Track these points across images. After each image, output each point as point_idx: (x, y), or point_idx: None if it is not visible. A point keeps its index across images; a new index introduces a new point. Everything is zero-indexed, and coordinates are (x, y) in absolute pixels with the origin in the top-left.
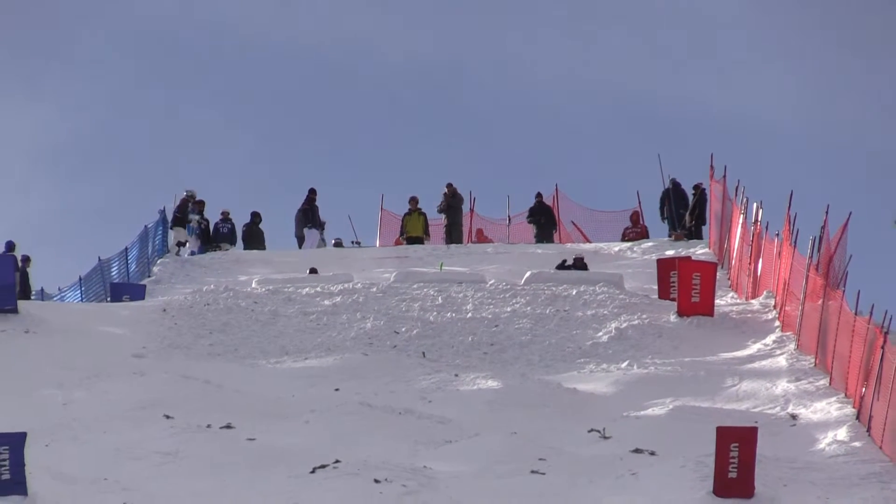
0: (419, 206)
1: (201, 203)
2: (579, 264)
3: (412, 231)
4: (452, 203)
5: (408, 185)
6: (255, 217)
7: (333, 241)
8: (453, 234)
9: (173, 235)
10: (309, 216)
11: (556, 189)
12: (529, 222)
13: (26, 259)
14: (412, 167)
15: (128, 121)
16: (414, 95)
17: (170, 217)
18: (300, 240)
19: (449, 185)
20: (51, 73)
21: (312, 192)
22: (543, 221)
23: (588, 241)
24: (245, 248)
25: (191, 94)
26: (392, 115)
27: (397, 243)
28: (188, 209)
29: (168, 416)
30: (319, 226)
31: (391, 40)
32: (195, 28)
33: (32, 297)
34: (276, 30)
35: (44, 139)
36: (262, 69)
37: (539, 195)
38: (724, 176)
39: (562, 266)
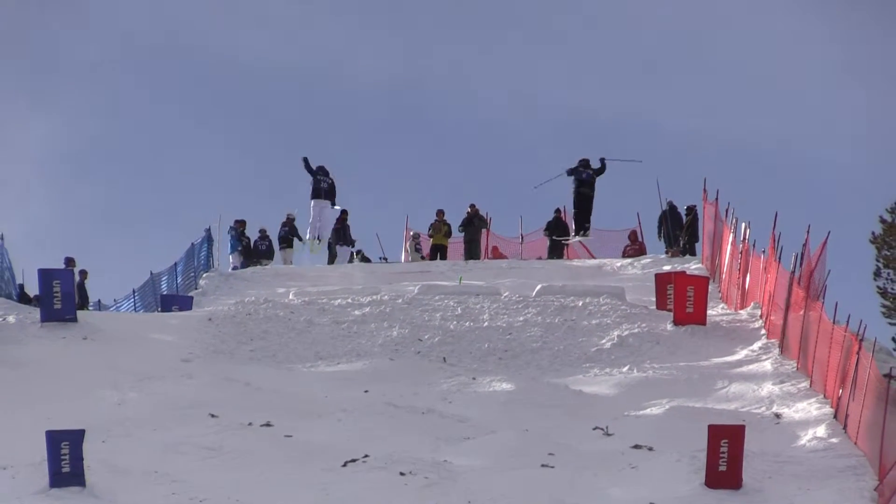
0: (444, 217)
1: (243, 222)
2: (586, 164)
3: (437, 240)
4: (474, 222)
5: (430, 207)
6: (344, 214)
7: (359, 257)
8: (472, 251)
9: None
10: (341, 235)
11: (564, 210)
12: (546, 235)
13: (83, 273)
14: (435, 189)
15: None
16: (430, 112)
17: (215, 235)
18: (332, 256)
19: (472, 206)
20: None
21: (344, 212)
22: (558, 236)
23: (593, 257)
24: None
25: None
26: (414, 141)
27: (426, 257)
28: (286, 231)
29: (213, 415)
30: (350, 243)
31: (392, 56)
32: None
33: (90, 308)
34: (280, 53)
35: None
36: (280, 95)
37: (558, 210)
38: (717, 198)
39: (573, 170)
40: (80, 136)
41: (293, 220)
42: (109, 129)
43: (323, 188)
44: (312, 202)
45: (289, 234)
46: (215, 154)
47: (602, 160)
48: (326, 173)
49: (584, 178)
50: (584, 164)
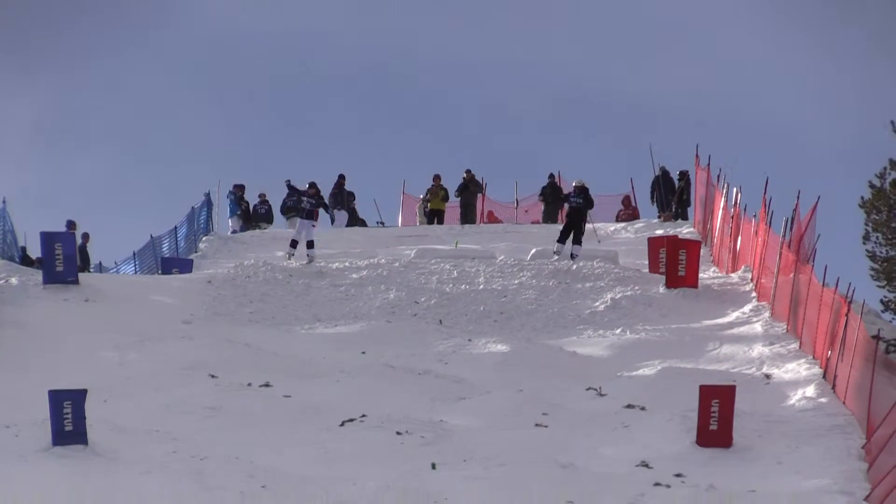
0: (441, 182)
1: (242, 187)
2: (580, 190)
3: (434, 205)
4: (469, 187)
5: (427, 171)
6: (341, 178)
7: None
8: (468, 215)
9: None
10: (338, 199)
11: (559, 176)
12: (541, 200)
13: (86, 236)
14: (431, 155)
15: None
16: (430, 88)
17: (215, 200)
18: (331, 220)
19: (467, 172)
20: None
21: (341, 177)
22: (552, 201)
23: (587, 221)
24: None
25: (219, 94)
26: (413, 107)
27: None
28: (293, 200)
29: (213, 376)
30: (348, 207)
31: (401, 30)
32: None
33: (91, 270)
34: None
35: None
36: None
37: (552, 176)
38: (709, 164)
39: (566, 198)
40: (80, 103)
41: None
42: (109, 97)
43: (305, 209)
44: (297, 220)
45: (297, 203)
46: (215, 120)
47: (592, 201)
48: (311, 195)
49: (573, 205)
50: (579, 190)
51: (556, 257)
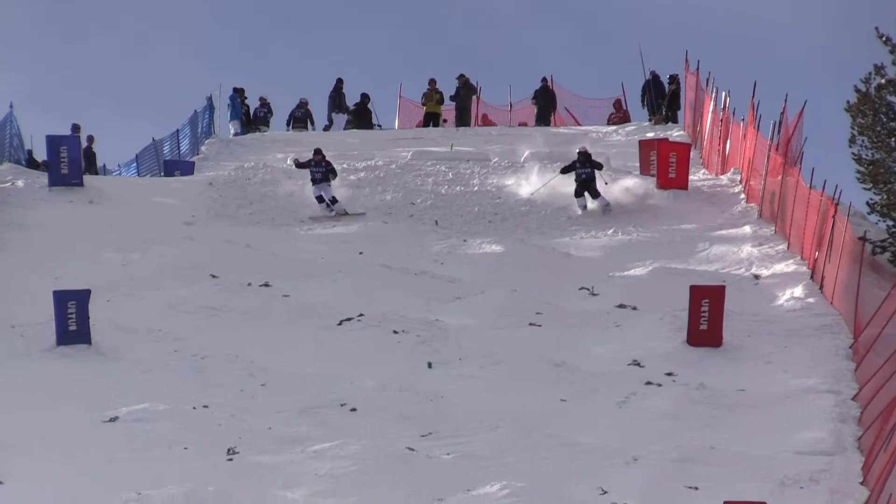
0: (437, 86)
1: (242, 91)
2: (585, 158)
3: (429, 108)
4: (461, 92)
5: (424, 75)
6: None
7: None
8: (462, 118)
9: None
10: (337, 102)
11: (551, 79)
12: (533, 103)
13: (90, 138)
14: (428, 58)
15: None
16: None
17: (216, 104)
18: (330, 123)
19: (461, 76)
20: None
21: (339, 81)
22: (544, 104)
23: (579, 124)
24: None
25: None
26: (411, 13)
27: (419, 125)
28: (302, 112)
29: (213, 276)
30: (346, 110)
31: None
32: None
33: (98, 170)
34: None
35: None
36: None
37: (544, 79)
38: (698, 69)
39: (572, 167)
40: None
41: (307, 103)
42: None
43: (317, 178)
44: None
45: (305, 115)
46: (216, 23)
47: (600, 164)
48: (318, 163)
49: (584, 177)
50: (584, 158)
51: (581, 211)
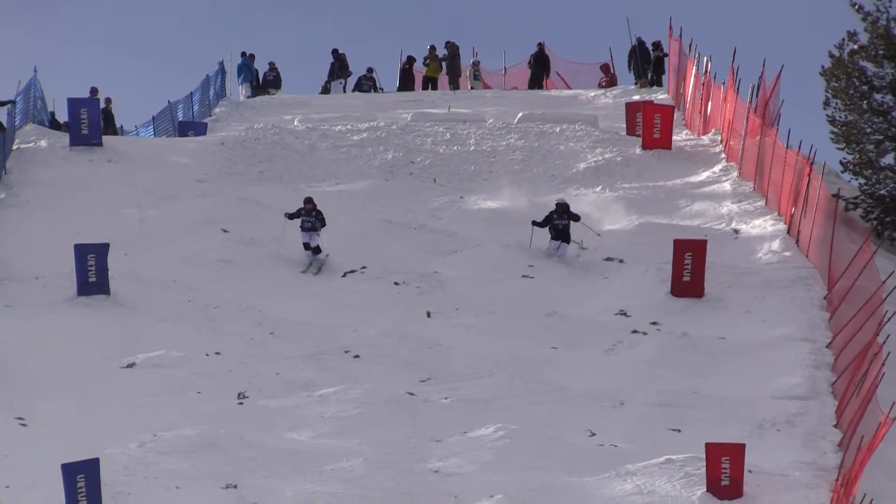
0: (436, 52)
1: (252, 56)
2: (562, 210)
3: (429, 72)
4: (454, 60)
5: (423, 41)
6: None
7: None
8: (454, 83)
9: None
10: (336, 71)
11: (543, 46)
12: (529, 66)
13: (108, 100)
14: (427, 26)
15: None
16: None
17: (228, 68)
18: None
19: (450, 43)
20: None
21: (335, 51)
22: (537, 69)
23: (569, 87)
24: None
25: None
26: None
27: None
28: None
29: (225, 231)
30: (347, 75)
31: None
32: None
33: (118, 129)
34: None
35: None
36: None
37: (540, 44)
38: (681, 35)
39: (548, 219)
40: None
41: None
42: None
43: (307, 227)
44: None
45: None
46: None
47: (577, 216)
48: (309, 212)
49: (561, 228)
50: (562, 210)
51: (552, 254)
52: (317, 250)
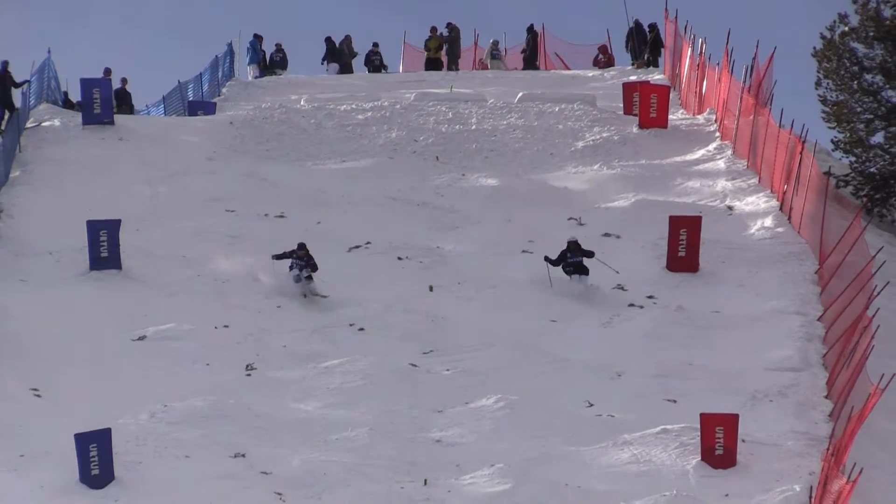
0: (438, 33)
1: (260, 37)
2: (574, 248)
3: (431, 53)
4: (453, 42)
5: (426, 22)
6: (329, 40)
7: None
8: (452, 64)
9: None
10: (336, 53)
11: (543, 28)
12: (523, 51)
13: (124, 80)
14: (430, 8)
15: None
16: None
17: (237, 49)
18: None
19: (451, 25)
20: None
21: (328, 39)
22: (529, 53)
23: (568, 68)
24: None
25: None
26: None
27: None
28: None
29: (230, 210)
30: (352, 56)
31: None
32: None
33: (134, 107)
34: None
35: None
36: None
37: (529, 28)
38: (676, 17)
39: (562, 257)
40: None
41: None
42: None
43: (297, 273)
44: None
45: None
46: None
47: (591, 252)
48: (301, 257)
49: (574, 262)
50: (574, 247)
51: (578, 286)
52: (309, 277)
